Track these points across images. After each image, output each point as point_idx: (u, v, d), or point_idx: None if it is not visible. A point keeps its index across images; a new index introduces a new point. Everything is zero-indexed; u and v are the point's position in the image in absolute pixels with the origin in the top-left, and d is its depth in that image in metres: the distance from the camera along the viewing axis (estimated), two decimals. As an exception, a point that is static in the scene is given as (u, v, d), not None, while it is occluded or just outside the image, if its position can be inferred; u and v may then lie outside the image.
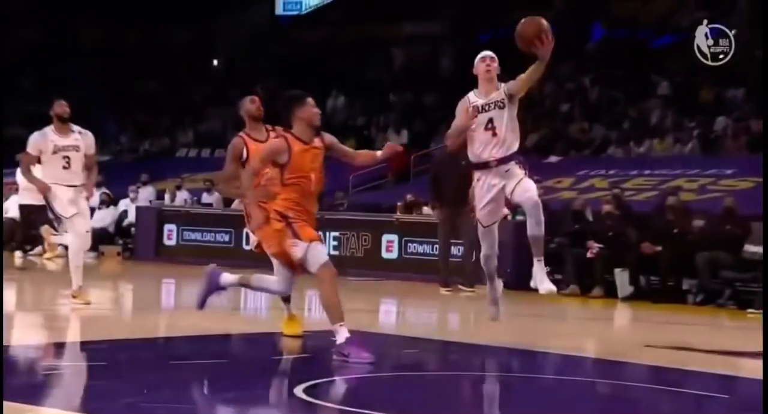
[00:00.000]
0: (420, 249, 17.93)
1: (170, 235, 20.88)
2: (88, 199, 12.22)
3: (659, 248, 15.29)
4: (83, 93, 30.61)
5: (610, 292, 15.55)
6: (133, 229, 21.59)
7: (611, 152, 25.15)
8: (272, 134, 9.40)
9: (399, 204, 20.23)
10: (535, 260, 9.08)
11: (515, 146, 9.00)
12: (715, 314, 14.20)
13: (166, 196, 23.24)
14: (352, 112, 31.99)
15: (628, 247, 15.66)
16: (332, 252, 16.92)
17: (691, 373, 8.71)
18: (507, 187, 8.88)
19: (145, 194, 23.14)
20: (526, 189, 8.86)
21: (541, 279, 9.11)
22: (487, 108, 8.99)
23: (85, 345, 9.63)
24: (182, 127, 34.04)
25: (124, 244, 21.35)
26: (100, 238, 20.40)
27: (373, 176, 26.07)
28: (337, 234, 18.39)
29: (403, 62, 33.99)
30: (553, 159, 24.68)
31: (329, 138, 8.56)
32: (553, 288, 9.26)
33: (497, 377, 8.63)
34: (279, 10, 41.28)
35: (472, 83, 9.16)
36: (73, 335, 10.46)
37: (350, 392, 7.40)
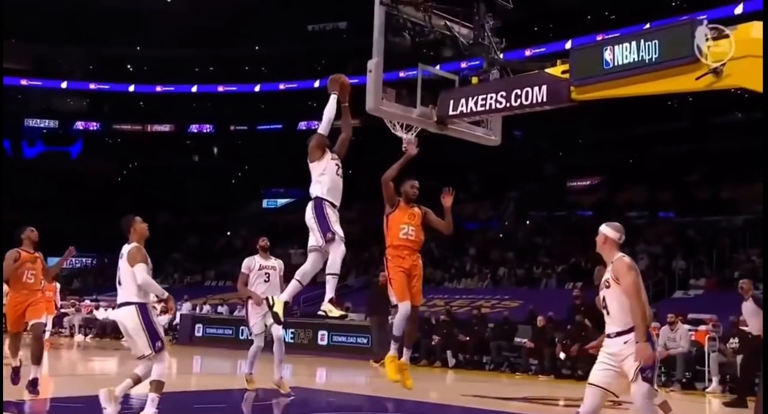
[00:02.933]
0: (341, 339, 17.51)
1: (198, 329, 20.40)
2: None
3: (468, 338, 15.36)
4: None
5: (444, 364, 15.30)
6: (178, 326, 21.15)
7: (446, 285, 25.21)
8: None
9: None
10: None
11: None
12: (498, 376, 14.08)
13: (197, 308, 22.91)
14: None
15: (453, 338, 15.70)
16: (289, 340, 16.67)
17: (483, 410, 8.60)
18: None
19: (186, 307, 22.72)
20: None
21: None
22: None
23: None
24: (208, 269, 33.54)
25: (173, 335, 20.89)
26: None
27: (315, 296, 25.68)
28: (293, 330, 17.98)
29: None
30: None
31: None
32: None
33: None
34: (264, 205, 41.45)
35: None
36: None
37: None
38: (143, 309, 6.35)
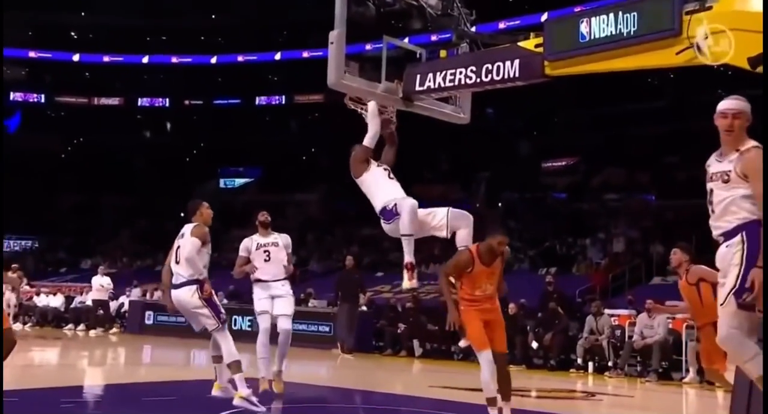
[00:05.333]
0: (301, 327, 17.43)
1: (149, 317, 20.17)
2: None
3: (436, 327, 15.43)
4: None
5: (411, 353, 15.39)
6: (127, 313, 20.92)
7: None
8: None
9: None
10: None
11: None
12: (467, 367, 14.21)
13: (147, 294, 22.70)
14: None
15: (420, 326, 15.77)
16: (247, 328, 16.55)
17: (453, 402, 8.65)
18: None
19: (135, 293, 22.50)
20: None
21: None
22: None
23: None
24: (160, 252, 33.18)
25: (121, 323, 20.66)
26: (105, 319, 19.92)
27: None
28: (250, 317, 17.83)
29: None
30: (379, 274, 24.81)
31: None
32: None
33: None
34: (222, 184, 41.15)
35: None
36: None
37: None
38: (203, 287, 6.77)
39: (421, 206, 6.26)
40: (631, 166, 27.89)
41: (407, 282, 6.11)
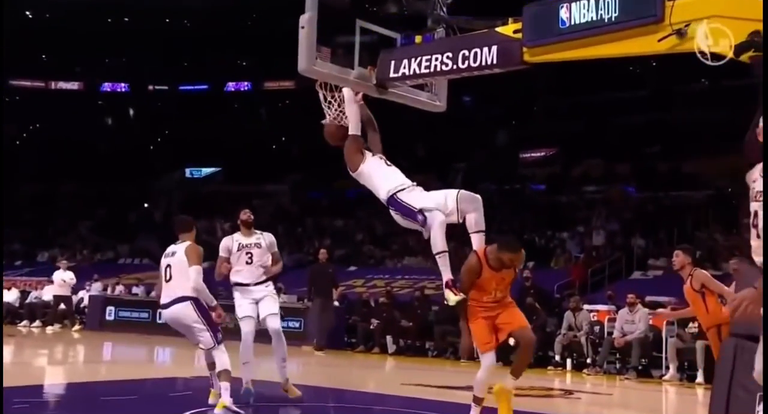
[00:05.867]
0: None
1: (110, 313, 19.98)
2: None
3: (410, 322, 15.49)
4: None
5: (384, 350, 15.48)
6: (86, 309, 20.74)
7: (387, 264, 25.31)
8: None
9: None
10: None
11: None
12: (443, 364, 14.24)
13: (108, 289, 22.51)
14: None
15: (394, 322, 15.82)
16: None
17: (426, 400, 8.62)
18: None
19: (96, 287, 22.29)
20: None
21: None
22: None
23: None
24: (122, 244, 32.96)
25: (81, 319, 20.49)
26: (65, 314, 19.75)
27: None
28: (213, 313, 17.81)
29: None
30: (351, 268, 24.84)
31: None
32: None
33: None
34: (187, 174, 40.89)
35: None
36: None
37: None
38: (198, 303, 6.95)
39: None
40: (611, 157, 28.11)
41: (452, 297, 5.89)
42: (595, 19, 5.19)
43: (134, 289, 22.81)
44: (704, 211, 22.18)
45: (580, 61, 5.66)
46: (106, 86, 41.32)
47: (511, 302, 6.17)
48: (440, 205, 5.91)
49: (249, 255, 7.96)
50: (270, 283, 8.06)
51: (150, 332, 17.36)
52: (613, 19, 5.13)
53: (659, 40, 4.99)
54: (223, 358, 6.97)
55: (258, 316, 7.85)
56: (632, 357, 12.56)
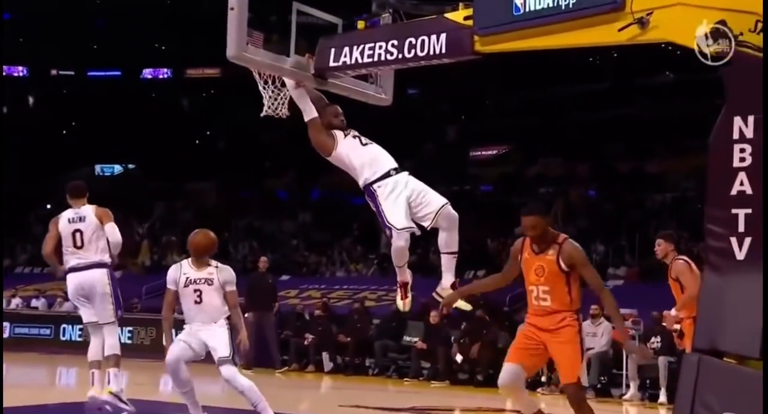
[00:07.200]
0: None
1: (5, 329, 19.45)
2: None
3: (348, 338, 15.49)
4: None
5: (319, 368, 15.40)
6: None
7: (323, 272, 25.20)
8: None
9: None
10: None
11: None
12: (383, 383, 14.27)
13: (4, 302, 22.00)
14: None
15: (330, 337, 15.79)
16: (127, 341, 16.31)
17: None
18: None
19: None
20: None
21: None
22: None
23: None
24: (20, 251, 32.22)
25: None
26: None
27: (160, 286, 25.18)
28: (131, 328, 17.61)
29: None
30: (284, 277, 24.67)
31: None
32: None
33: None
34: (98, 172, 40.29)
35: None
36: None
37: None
38: (112, 273, 7.63)
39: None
40: (569, 156, 28.54)
41: (399, 301, 6.34)
42: (551, 5, 5.31)
43: (34, 302, 22.37)
44: (668, 215, 22.65)
45: (536, 52, 5.78)
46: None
47: (568, 341, 5.59)
48: (418, 207, 6.04)
49: (198, 293, 7.13)
50: (223, 321, 7.23)
51: (53, 351, 17.06)
52: (570, 5, 5.26)
53: (619, 30, 5.14)
54: (113, 341, 7.47)
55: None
56: (590, 374, 12.69)
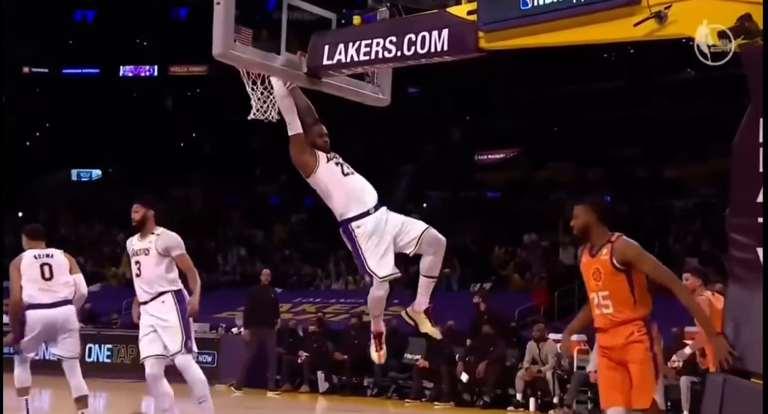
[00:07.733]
0: None
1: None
2: None
3: (345, 355, 15.48)
4: None
5: (314, 388, 15.42)
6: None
7: (318, 285, 25.13)
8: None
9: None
10: None
11: None
12: (383, 404, 14.28)
13: None
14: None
15: (326, 355, 15.78)
16: (105, 360, 16.28)
17: None
18: None
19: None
20: None
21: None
22: None
23: None
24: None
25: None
26: None
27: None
28: (110, 346, 17.56)
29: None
30: (276, 290, 24.62)
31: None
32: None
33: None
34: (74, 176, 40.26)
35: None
36: None
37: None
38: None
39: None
40: (581, 160, 28.55)
41: (373, 353, 6.42)
42: (561, -1, 5.31)
43: (6, 319, 22.30)
44: (687, 223, 22.65)
45: (545, 49, 5.77)
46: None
47: (639, 361, 5.39)
48: (399, 236, 6.05)
49: (138, 264, 7.47)
50: (169, 297, 7.47)
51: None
52: None
53: (635, 25, 5.13)
54: (78, 381, 7.97)
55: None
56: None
